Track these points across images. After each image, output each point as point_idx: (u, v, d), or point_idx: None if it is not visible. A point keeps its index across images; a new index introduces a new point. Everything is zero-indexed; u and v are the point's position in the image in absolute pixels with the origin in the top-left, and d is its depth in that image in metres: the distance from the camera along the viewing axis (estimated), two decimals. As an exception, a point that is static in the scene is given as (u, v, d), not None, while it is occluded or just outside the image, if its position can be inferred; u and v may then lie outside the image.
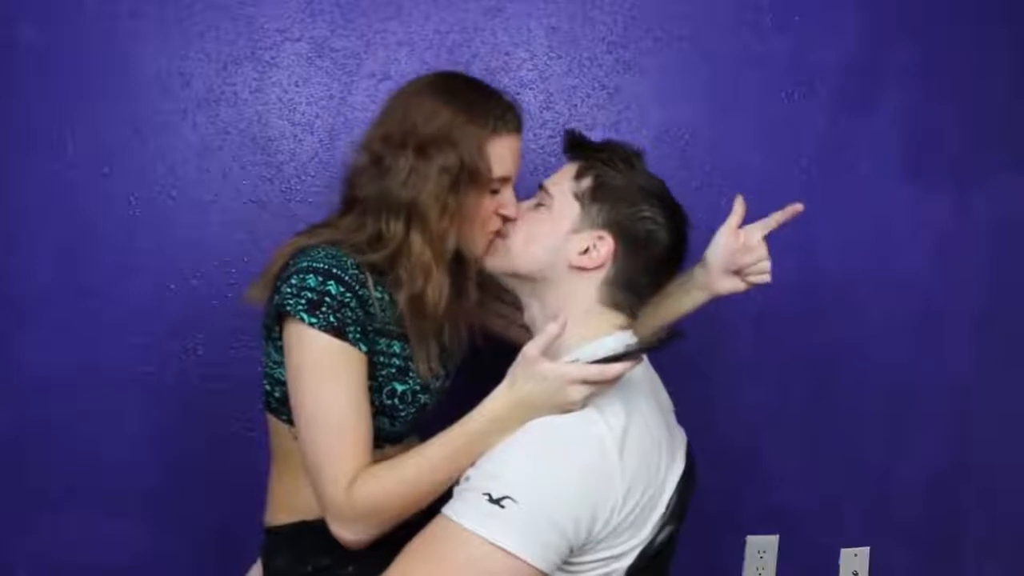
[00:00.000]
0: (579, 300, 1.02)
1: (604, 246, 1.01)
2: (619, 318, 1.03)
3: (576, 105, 1.54)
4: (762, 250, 1.15)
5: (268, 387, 1.09)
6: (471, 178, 1.03)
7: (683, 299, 1.21)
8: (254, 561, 1.20)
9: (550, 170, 1.13)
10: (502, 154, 1.06)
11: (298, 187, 1.47)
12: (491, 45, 1.50)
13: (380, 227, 1.04)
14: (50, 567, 1.49)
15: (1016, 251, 1.78)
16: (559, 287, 1.03)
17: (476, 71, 1.47)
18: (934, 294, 1.75)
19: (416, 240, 1.03)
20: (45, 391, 1.44)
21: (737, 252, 1.15)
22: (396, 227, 1.03)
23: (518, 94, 1.50)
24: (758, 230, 1.15)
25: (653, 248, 1.02)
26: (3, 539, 1.48)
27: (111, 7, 1.38)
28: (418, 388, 1.09)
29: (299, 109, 1.45)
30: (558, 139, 1.13)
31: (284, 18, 1.43)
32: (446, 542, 0.85)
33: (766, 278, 1.15)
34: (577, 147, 1.09)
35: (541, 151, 1.53)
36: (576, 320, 1.00)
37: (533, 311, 1.08)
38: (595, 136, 1.12)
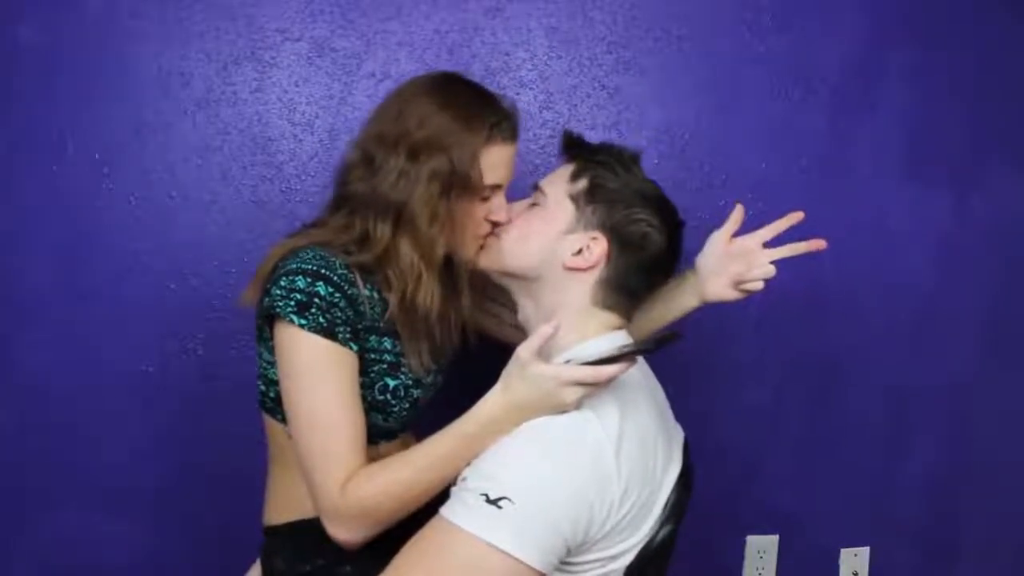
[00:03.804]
0: (572, 301, 1.02)
1: (597, 247, 1.01)
2: (613, 319, 1.03)
3: (576, 105, 1.54)
4: (762, 256, 1.13)
5: (263, 387, 1.09)
6: (462, 185, 1.03)
7: (674, 303, 1.20)
8: (254, 561, 1.20)
9: (550, 170, 1.13)
10: (495, 162, 1.06)
11: (298, 187, 1.47)
12: (491, 45, 1.50)
13: (367, 227, 1.04)
14: (50, 567, 1.49)
15: (1016, 251, 1.78)
16: (552, 287, 1.03)
17: (476, 71, 1.47)
18: (934, 294, 1.75)
19: (405, 245, 1.03)
20: (45, 391, 1.44)
21: (728, 259, 1.13)
22: (383, 229, 1.03)
23: (518, 94, 1.51)
24: (758, 238, 1.14)
25: (647, 250, 1.02)
26: (3, 539, 1.48)
27: (111, 7, 1.38)
28: (410, 383, 1.09)
29: (299, 109, 1.45)
30: (558, 139, 1.13)
31: (284, 18, 1.43)
32: (443, 543, 0.85)
33: (759, 286, 1.12)
34: (574, 148, 1.09)
35: (541, 151, 1.53)
36: (569, 321, 1.00)
37: (527, 311, 1.08)
38: (595, 136, 1.12)
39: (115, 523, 1.49)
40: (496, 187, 1.08)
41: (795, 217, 1.15)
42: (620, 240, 1.01)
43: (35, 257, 1.41)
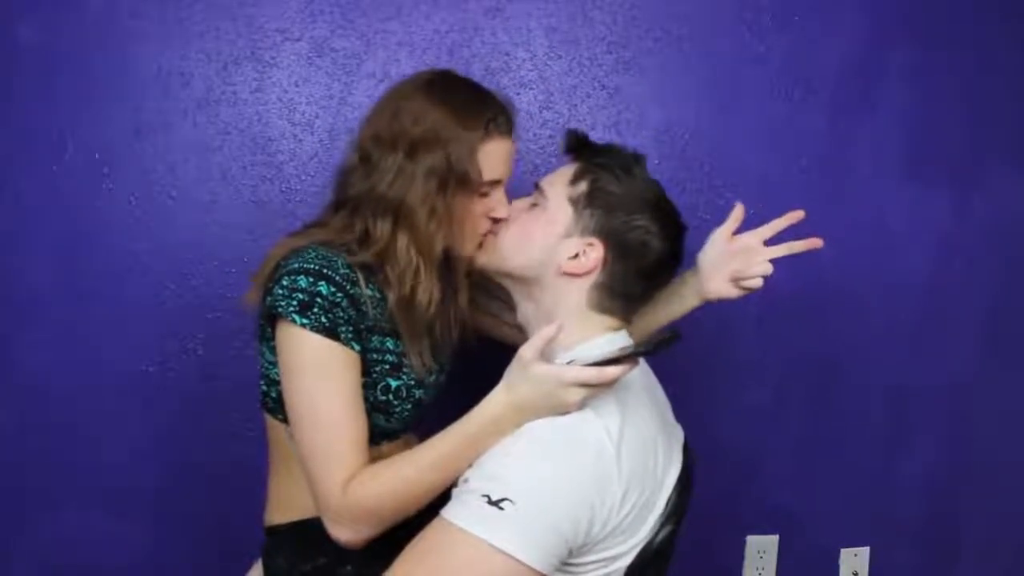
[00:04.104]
0: (569, 304, 1.02)
1: (593, 253, 1.00)
2: (611, 321, 1.03)
3: (576, 105, 1.54)
4: (762, 254, 1.12)
5: (265, 387, 1.09)
6: (459, 181, 1.03)
7: (675, 303, 1.20)
8: (254, 561, 1.20)
9: (549, 170, 1.13)
10: (492, 158, 1.05)
11: (298, 187, 1.47)
12: (491, 45, 1.50)
13: (367, 226, 1.04)
14: (50, 567, 1.49)
15: (1016, 251, 1.78)
16: (550, 290, 1.03)
17: (476, 71, 1.47)
18: (934, 294, 1.75)
19: (404, 242, 1.03)
20: (45, 391, 1.44)
21: (729, 256, 1.13)
22: (383, 227, 1.03)
23: (518, 94, 1.51)
24: (759, 235, 1.14)
25: (645, 257, 1.01)
26: (3, 539, 1.48)
27: (111, 7, 1.38)
28: (412, 383, 1.09)
29: (299, 109, 1.45)
30: (558, 139, 1.13)
31: (284, 18, 1.43)
32: (445, 544, 0.85)
33: (758, 283, 1.12)
34: (577, 148, 1.08)
35: (541, 151, 1.53)
36: (569, 322, 0.99)
37: (526, 311, 1.08)
38: (595, 136, 1.11)
39: (115, 523, 1.49)
40: (495, 183, 1.08)
41: (795, 216, 1.15)
42: (618, 247, 1.00)
43: (35, 257, 1.41)
